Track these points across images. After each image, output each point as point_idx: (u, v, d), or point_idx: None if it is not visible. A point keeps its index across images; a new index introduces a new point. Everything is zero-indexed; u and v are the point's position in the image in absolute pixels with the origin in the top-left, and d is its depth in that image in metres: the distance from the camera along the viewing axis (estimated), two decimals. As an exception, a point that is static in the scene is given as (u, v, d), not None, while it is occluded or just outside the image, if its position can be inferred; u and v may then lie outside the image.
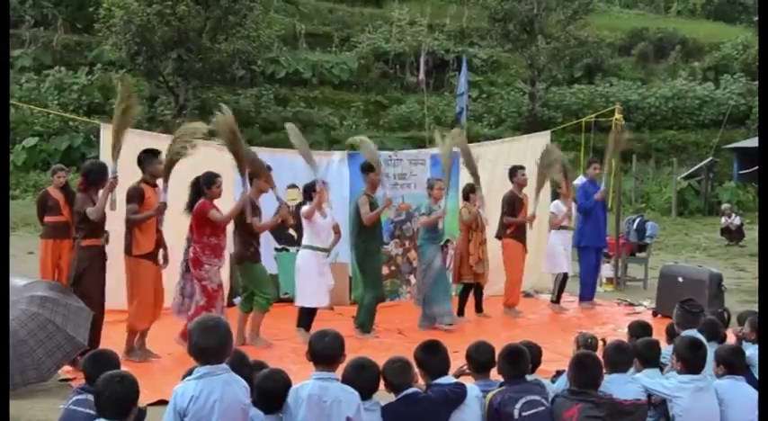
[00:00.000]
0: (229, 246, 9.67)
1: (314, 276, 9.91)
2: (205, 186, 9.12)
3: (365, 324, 10.30)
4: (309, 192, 10.03)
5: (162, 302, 9.16)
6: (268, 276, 9.95)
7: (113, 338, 8.73)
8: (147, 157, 9.00)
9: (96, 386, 4.56)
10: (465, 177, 12.10)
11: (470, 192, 11.42)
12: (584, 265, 12.49)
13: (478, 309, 11.72)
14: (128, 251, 8.83)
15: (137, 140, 11.04)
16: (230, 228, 9.56)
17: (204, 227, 9.04)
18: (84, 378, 5.22)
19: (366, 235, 10.31)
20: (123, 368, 5.27)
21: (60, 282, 9.63)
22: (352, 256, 11.46)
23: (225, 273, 9.78)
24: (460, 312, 11.35)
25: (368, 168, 10.46)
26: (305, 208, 9.91)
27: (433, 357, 5.45)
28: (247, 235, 9.51)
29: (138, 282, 8.85)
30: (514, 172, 11.75)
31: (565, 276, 12.21)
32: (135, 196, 8.78)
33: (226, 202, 9.48)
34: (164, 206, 8.83)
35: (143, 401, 5.43)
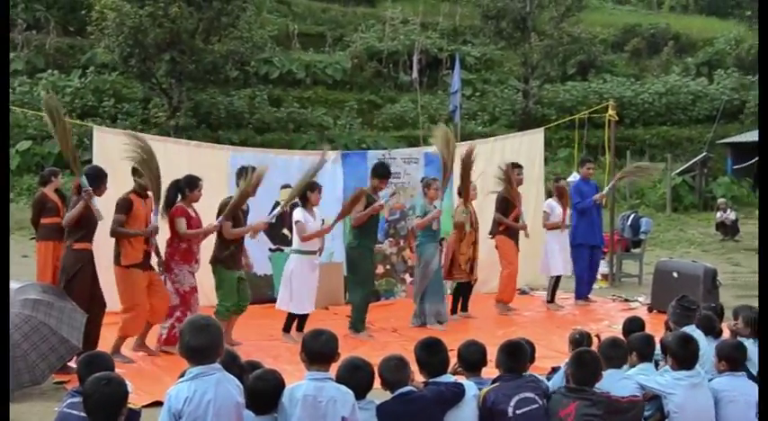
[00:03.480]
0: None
1: (306, 282, 9.83)
2: (187, 188, 9.11)
3: (357, 324, 10.24)
4: (305, 193, 9.96)
5: (167, 303, 9.04)
6: (234, 287, 9.47)
7: (108, 339, 8.69)
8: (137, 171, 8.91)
9: (84, 389, 4.55)
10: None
11: None
12: (578, 263, 12.42)
13: (464, 308, 11.63)
14: (116, 261, 8.74)
15: (131, 142, 11.03)
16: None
17: (176, 231, 9.06)
18: (78, 380, 5.21)
19: (360, 232, 10.27)
20: (118, 370, 5.26)
21: (54, 285, 9.61)
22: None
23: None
24: (453, 311, 11.34)
25: (376, 174, 10.41)
26: (299, 215, 9.79)
27: (433, 356, 5.46)
28: (225, 238, 9.35)
29: (131, 292, 8.76)
30: (509, 169, 11.71)
31: (557, 278, 12.19)
32: (123, 207, 8.68)
33: (207, 207, 9.50)
34: (155, 230, 8.79)
35: (137, 403, 5.43)
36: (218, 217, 9.19)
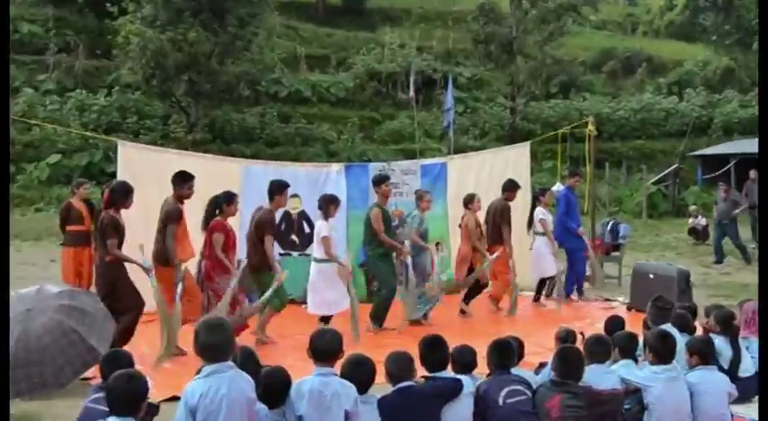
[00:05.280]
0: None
1: (335, 285, 9.73)
2: (225, 203, 9.00)
3: (379, 316, 10.21)
4: (325, 204, 9.84)
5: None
6: (283, 283, 9.50)
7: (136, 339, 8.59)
8: (178, 180, 8.84)
9: (107, 384, 4.49)
10: (452, 187, 12.17)
11: (469, 201, 11.29)
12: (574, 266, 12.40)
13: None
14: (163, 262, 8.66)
15: (153, 156, 11.11)
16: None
17: (213, 244, 8.94)
18: (101, 376, 5.14)
19: (379, 243, 10.30)
20: (138, 367, 5.19)
21: (87, 290, 9.50)
22: (351, 260, 11.43)
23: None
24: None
25: (379, 180, 10.41)
26: (326, 230, 9.65)
27: (435, 353, 5.42)
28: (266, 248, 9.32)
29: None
30: (513, 187, 11.55)
31: (545, 279, 12.10)
32: (173, 216, 8.63)
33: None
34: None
35: (156, 397, 5.35)
36: (205, 222, 9.00)
